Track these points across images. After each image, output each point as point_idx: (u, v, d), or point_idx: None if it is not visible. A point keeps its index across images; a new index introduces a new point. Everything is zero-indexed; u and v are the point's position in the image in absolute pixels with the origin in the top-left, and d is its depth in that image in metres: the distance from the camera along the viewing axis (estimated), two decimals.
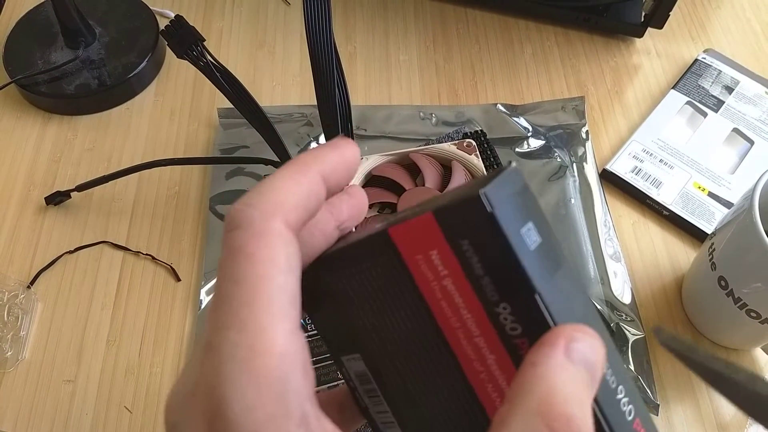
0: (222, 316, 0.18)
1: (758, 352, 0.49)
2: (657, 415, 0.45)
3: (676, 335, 0.18)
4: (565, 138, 0.58)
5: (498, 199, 0.18)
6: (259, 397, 0.16)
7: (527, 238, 0.18)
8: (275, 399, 0.16)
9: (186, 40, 0.42)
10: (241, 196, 0.19)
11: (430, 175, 0.48)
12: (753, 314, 0.43)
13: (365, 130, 0.58)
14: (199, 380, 0.17)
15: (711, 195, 0.54)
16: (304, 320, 0.42)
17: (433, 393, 0.22)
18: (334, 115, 0.45)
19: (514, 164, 0.19)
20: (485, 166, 0.49)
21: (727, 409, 0.46)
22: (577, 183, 0.55)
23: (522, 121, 0.59)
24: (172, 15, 0.44)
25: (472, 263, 0.18)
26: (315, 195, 0.20)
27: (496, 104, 0.60)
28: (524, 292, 0.18)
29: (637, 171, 0.55)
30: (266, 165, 0.50)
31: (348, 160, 0.22)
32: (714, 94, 0.60)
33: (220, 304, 0.18)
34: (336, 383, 0.45)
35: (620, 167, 0.56)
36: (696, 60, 0.63)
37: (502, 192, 0.18)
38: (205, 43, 0.42)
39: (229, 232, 0.18)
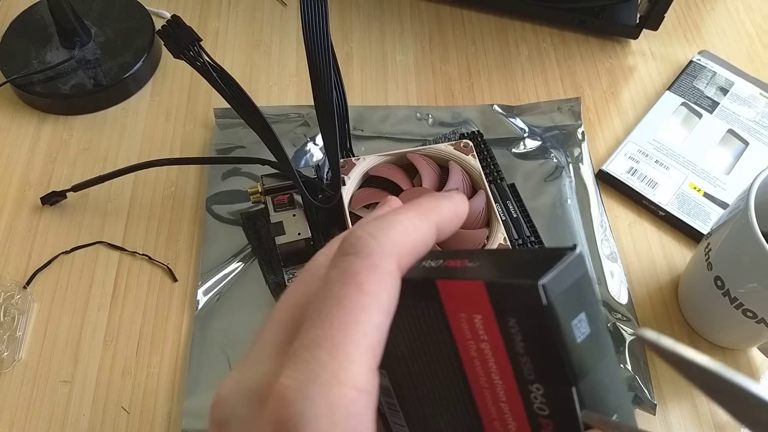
0: (316, 331, 0.18)
1: (754, 351, 0.49)
2: (654, 415, 0.46)
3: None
4: (561, 139, 0.58)
5: (555, 292, 0.17)
6: (332, 426, 0.16)
7: (577, 330, 0.18)
8: None
9: (183, 40, 0.41)
10: (363, 221, 0.20)
11: (428, 175, 0.48)
12: (749, 314, 0.43)
13: (362, 130, 0.58)
14: (273, 386, 0.17)
15: (706, 195, 0.55)
16: None
17: (450, 430, 0.22)
18: (331, 115, 0.45)
19: (578, 249, 0.18)
20: (482, 167, 0.49)
21: None
22: (574, 184, 0.56)
23: (518, 122, 0.59)
24: (168, 15, 0.44)
25: (515, 340, 0.18)
26: (427, 244, 0.21)
27: (493, 105, 0.60)
28: (561, 383, 0.18)
29: (632, 172, 0.56)
30: (263, 165, 0.50)
31: (459, 215, 0.22)
32: (709, 95, 0.61)
33: (317, 319, 0.18)
34: None
35: (616, 168, 0.56)
36: (691, 61, 0.63)
37: (561, 283, 0.18)
38: (201, 43, 0.42)
39: (346, 255, 0.19)
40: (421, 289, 0.20)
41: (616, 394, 0.19)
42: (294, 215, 0.48)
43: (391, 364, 0.23)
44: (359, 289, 0.18)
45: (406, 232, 0.20)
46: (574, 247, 0.18)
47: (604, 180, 0.56)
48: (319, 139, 0.57)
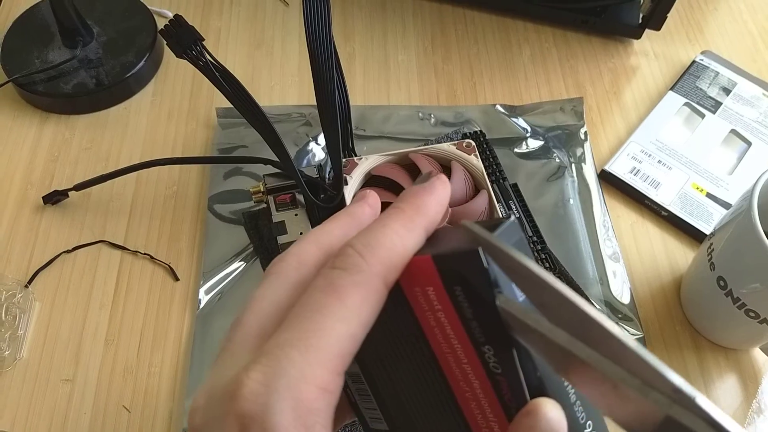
0: (292, 332, 0.19)
1: (756, 351, 0.49)
2: None
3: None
4: (564, 139, 0.58)
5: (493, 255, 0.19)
6: (295, 418, 0.17)
7: (517, 290, 0.19)
8: (305, 427, 0.18)
9: (185, 40, 0.41)
10: (359, 234, 0.21)
11: None
12: (752, 314, 0.43)
13: (364, 130, 0.58)
14: (243, 380, 0.18)
15: (709, 196, 0.55)
16: None
17: (422, 402, 0.23)
18: (334, 115, 0.45)
19: (513, 218, 0.20)
20: (484, 167, 0.49)
21: (725, 410, 0.46)
22: (576, 184, 0.56)
23: (521, 122, 0.59)
24: (170, 14, 0.44)
25: (463, 307, 0.20)
26: (414, 251, 0.21)
27: (495, 105, 0.60)
28: (505, 343, 0.19)
29: (635, 172, 0.56)
30: (265, 165, 0.50)
31: (443, 205, 0.23)
32: (711, 95, 0.60)
33: (296, 322, 0.19)
34: None
35: (619, 168, 0.56)
36: (693, 62, 0.63)
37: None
38: (203, 42, 0.42)
39: (335, 268, 0.20)
40: None
41: None
42: (296, 215, 0.48)
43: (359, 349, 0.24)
44: (342, 302, 0.19)
45: (395, 248, 0.20)
46: (509, 216, 0.20)
47: (607, 180, 0.56)
48: (321, 139, 0.57)
